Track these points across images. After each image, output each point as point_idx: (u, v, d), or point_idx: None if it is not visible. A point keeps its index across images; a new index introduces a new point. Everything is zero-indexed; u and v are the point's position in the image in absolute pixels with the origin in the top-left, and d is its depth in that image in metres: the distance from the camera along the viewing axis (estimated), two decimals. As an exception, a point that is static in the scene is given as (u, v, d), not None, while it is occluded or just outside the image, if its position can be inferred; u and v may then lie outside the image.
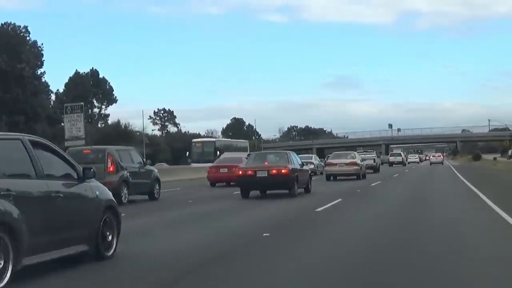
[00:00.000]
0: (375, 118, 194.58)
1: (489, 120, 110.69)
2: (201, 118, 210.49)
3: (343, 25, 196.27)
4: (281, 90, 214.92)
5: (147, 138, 75.26)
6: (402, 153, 77.16)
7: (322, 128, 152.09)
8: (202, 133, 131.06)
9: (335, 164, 33.40)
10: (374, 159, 45.87)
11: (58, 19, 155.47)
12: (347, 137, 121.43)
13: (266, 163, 21.46)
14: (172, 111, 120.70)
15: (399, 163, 66.87)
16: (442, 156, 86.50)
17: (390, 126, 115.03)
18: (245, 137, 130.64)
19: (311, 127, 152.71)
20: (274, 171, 20.32)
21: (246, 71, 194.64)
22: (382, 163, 58.63)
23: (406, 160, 75.69)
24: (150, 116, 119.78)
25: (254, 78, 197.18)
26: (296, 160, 21.98)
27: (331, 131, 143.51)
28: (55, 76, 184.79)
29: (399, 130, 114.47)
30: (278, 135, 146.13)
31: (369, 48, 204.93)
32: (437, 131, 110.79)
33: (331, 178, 32.83)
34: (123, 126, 78.59)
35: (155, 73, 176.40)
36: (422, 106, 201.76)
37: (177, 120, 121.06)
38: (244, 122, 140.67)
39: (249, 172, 20.82)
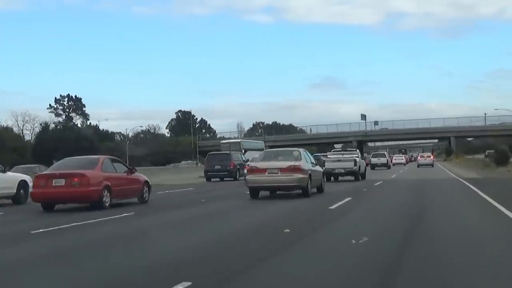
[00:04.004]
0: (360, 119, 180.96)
1: (485, 114, 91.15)
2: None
3: (329, 26, 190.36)
4: (266, 91, 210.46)
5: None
6: (386, 153, 68.10)
7: (292, 124, 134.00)
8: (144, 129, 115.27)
9: (264, 170, 19.40)
10: (355, 161, 32.99)
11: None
12: (316, 132, 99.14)
13: None
14: (80, 99, 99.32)
15: (382, 165, 58.78)
16: (432, 157, 73.73)
17: (364, 117, 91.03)
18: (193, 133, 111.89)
19: (279, 123, 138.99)
20: None
21: (230, 71, 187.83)
22: (367, 165, 46.09)
23: (391, 161, 68.14)
24: (50, 104, 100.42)
25: (238, 79, 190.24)
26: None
27: (310, 129, 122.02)
28: None
29: (376, 123, 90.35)
30: (236, 132, 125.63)
31: (355, 49, 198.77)
32: (424, 124, 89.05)
33: (258, 193, 19.93)
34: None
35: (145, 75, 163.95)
36: (409, 107, 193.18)
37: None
38: (194, 116, 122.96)
39: None
